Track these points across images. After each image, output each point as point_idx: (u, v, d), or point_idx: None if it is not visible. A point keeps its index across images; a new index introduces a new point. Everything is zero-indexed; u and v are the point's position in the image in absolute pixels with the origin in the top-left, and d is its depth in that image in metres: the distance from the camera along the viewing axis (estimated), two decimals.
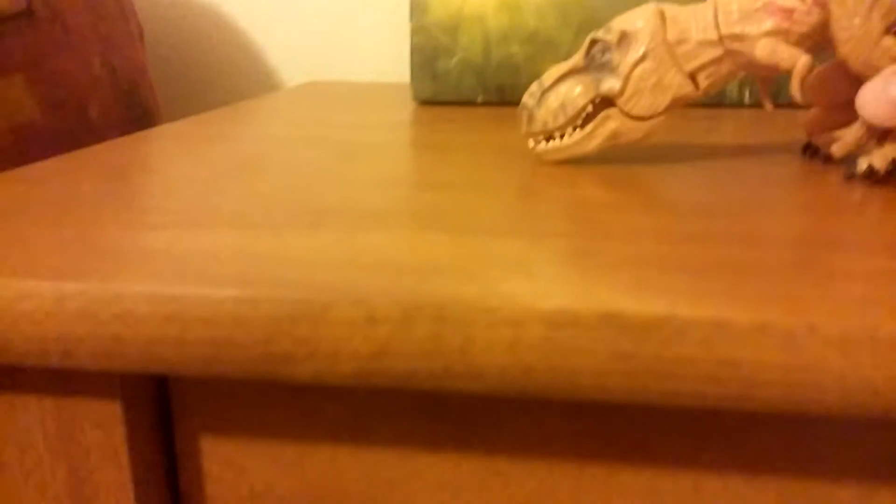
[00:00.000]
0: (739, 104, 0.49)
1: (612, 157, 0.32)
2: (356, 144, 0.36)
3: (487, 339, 0.16)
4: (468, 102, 0.50)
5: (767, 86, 0.29)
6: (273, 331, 0.17)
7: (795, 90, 0.26)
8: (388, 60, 0.72)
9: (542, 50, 0.48)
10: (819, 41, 0.26)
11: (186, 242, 0.20)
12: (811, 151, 0.31)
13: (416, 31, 0.49)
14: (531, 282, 0.17)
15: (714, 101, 0.49)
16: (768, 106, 0.29)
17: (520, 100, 0.50)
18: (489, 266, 0.18)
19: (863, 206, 0.25)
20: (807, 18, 0.26)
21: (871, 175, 0.26)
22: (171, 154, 0.33)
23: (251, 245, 0.20)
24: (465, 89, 0.50)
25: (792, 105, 0.47)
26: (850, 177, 0.26)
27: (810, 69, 0.26)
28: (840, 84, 0.27)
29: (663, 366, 0.16)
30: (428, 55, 0.49)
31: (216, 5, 0.73)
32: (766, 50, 0.26)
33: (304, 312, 0.17)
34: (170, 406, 0.22)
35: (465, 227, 0.22)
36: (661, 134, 0.38)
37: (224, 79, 0.75)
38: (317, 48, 0.73)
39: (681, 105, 0.28)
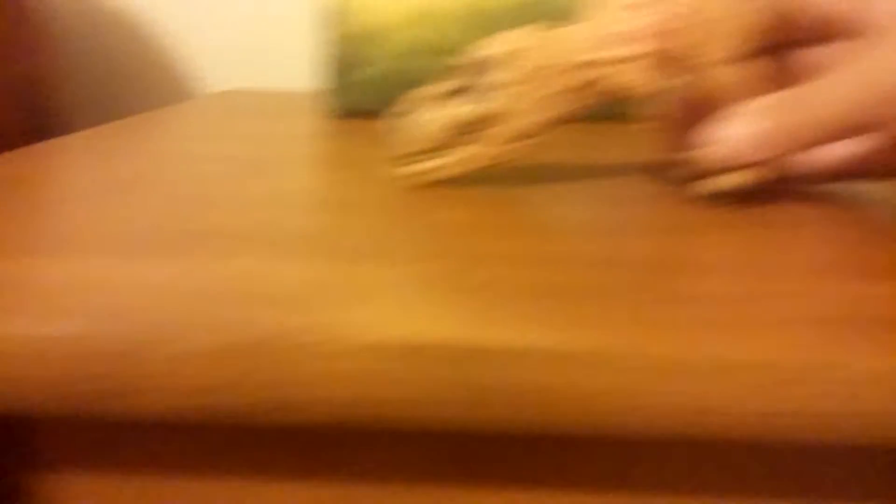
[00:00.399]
0: (625, 118, 0.50)
1: (496, 177, 0.32)
2: (256, 159, 0.36)
3: (322, 371, 0.16)
4: (382, 114, 0.51)
5: (637, 107, 0.30)
6: (111, 366, 0.17)
7: (653, 115, 0.28)
8: (309, 69, 0.72)
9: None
10: (678, 66, 0.27)
11: (43, 271, 0.20)
12: (675, 169, 0.32)
13: (329, 43, 0.49)
14: (376, 311, 0.18)
15: (602, 115, 0.50)
16: (637, 127, 0.30)
17: None
18: (341, 294, 0.19)
19: (718, 226, 0.26)
20: (665, 45, 0.27)
21: (727, 194, 0.27)
22: (59, 170, 0.33)
23: (110, 273, 0.20)
24: (378, 101, 0.50)
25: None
26: (710, 195, 0.28)
27: (669, 92, 0.27)
28: (700, 107, 0.29)
29: (498, 394, 0.16)
30: (342, 66, 0.49)
31: (135, 12, 0.72)
32: (627, 75, 0.27)
33: (141, 347, 0.17)
34: (26, 445, 0.21)
35: (334, 252, 0.22)
36: (542, 151, 0.39)
37: (144, 85, 0.74)
38: (237, 56, 0.72)
39: (553, 127, 0.29)
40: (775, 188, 0.31)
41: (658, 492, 0.20)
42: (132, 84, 0.74)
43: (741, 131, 0.26)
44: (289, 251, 0.22)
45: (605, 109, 0.48)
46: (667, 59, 0.27)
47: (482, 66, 0.28)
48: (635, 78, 0.27)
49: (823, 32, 0.29)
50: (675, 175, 0.31)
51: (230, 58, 0.72)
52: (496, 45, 0.28)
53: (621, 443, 0.20)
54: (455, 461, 0.20)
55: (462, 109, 0.28)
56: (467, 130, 0.29)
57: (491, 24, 0.48)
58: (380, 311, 0.18)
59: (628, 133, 0.45)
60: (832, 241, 0.24)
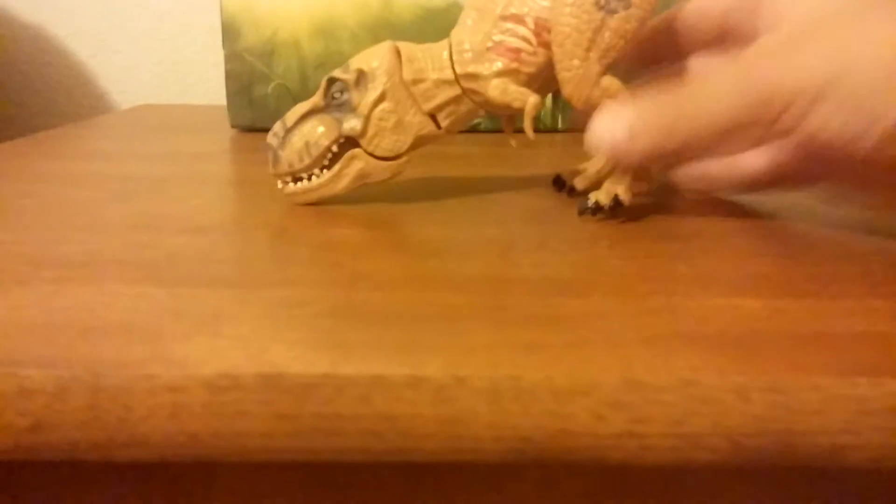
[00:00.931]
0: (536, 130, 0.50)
1: (386, 194, 0.32)
2: (143, 179, 0.34)
3: (148, 407, 0.16)
4: None
5: (510, 122, 0.30)
6: None
7: (528, 129, 0.27)
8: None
9: None
10: (549, 80, 0.27)
11: None
12: (560, 184, 0.32)
13: (229, 58, 0.48)
14: (209, 343, 0.17)
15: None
16: (513, 142, 0.30)
17: None
18: (179, 325, 0.18)
19: (609, 240, 0.26)
20: (534, 59, 0.27)
21: (597, 211, 0.27)
22: None
23: None
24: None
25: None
26: (582, 212, 0.28)
27: (540, 109, 0.27)
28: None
29: (326, 424, 0.16)
30: (243, 82, 0.48)
31: (46, 27, 0.70)
32: (498, 90, 0.27)
33: None
34: None
35: (189, 278, 0.21)
36: (434, 164, 0.39)
37: (57, 102, 0.72)
38: (153, 70, 0.71)
39: (425, 144, 0.29)
40: (679, 199, 0.31)
41: None
42: (44, 100, 0.71)
43: (611, 122, 0.26)
44: (148, 278, 0.21)
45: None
46: (535, 74, 0.27)
47: (348, 84, 0.28)
48: (504, 93, 0.27)
49: (720, 40, 0.29)
50: (566, 188, 0.31)
51: (147, 73, 0.70)
52: (358, 62, 0.28)
53: (481, 468, 0.20)
54: (307, 490, 0.20)
55: (332, 128, 0.28)
56: (340, 149, 0.28)
57: (397, 35, 0.48)
58: (227, 341, 0.17)
59: (536, 143, 0.45)
60: (720, 253, 0.25)
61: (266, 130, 0.50)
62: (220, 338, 0.17)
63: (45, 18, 0.69)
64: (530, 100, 0.27)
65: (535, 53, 0.27)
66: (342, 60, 0.48)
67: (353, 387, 0.16)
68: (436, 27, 0.48)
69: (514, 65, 0.27)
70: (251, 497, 0.19)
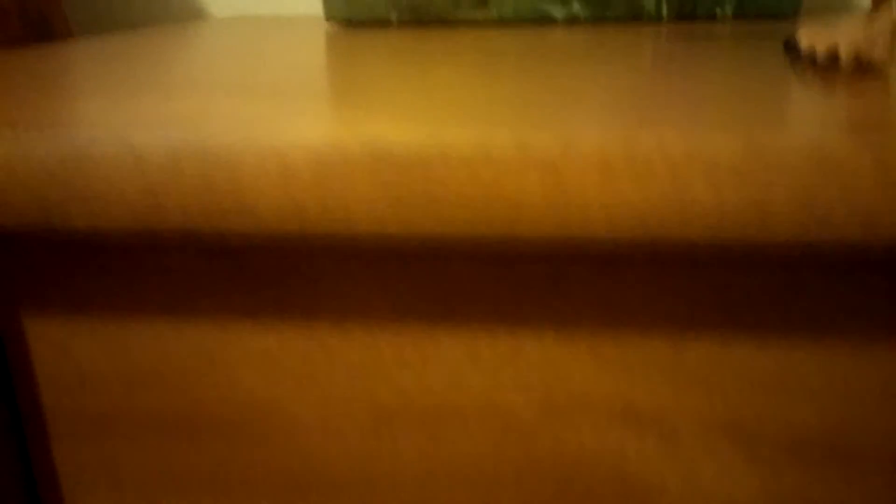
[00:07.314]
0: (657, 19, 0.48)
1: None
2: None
3: (255, 175, 0.16)
4: (383, 22, 0.50)
5: None
6: (43, 178, 0.17)
7: None
8: None
9: None
10: None
11: None
12: (791, 48, 0.25)
13: None
14: (299, 119, 0.17)
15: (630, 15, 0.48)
16: None
17: (434, 18, 0.49)
18: (265, 114, 0.18)
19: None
20: None
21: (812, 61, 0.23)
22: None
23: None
24: (378, 8, 0.49)
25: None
26: (789, 50, 0.24)
27: None
28: None
29: (430, 192, 0.16)
30: None
31: None
32: None
33: (69, 155, 0.16)
34: None
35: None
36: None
37: (148, 4, 0.74)
38: None
39: None
40: None
41: (642, 319, 0.19)
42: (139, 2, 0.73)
43: None
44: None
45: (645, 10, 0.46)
46: None
47: None
48: None
49: None
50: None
51: None
52: None
53: (598, 269, 0.19)
54: (436, 299, 0.19)
55: None
56: None
57: None
58: (307, 118, 0.17)
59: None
60: None
61: (361, 24, 0.50)
62: (308, 116, 0.17)
63: None
64: None
65: None
66: None
67: (457, 154, 0.15)
68: None
69: None
70: (352, 285, 0.20)
